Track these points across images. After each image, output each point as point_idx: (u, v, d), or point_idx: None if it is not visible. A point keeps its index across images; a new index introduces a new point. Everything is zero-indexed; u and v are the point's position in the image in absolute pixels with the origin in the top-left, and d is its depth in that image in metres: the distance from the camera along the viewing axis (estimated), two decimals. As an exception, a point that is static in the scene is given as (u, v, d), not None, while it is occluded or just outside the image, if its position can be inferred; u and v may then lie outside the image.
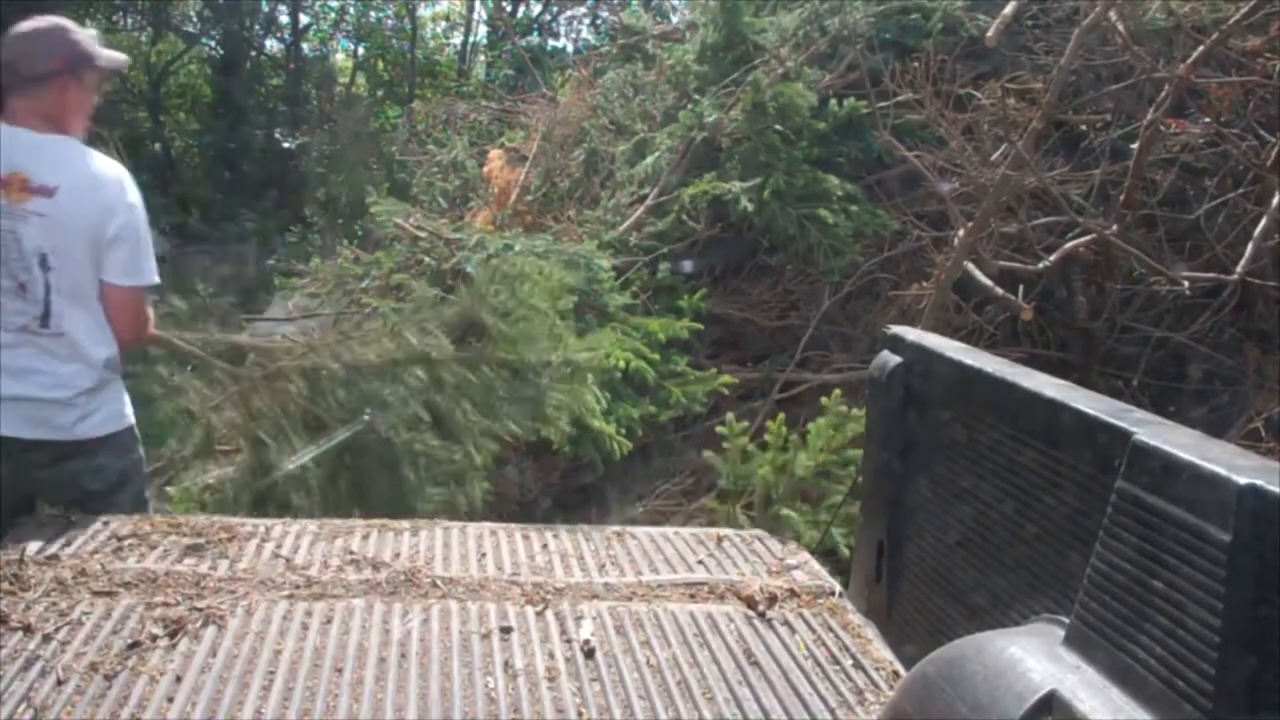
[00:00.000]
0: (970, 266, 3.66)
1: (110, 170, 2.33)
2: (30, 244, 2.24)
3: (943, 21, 4.43)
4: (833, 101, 4.28)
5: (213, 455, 3.59)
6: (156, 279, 2.39)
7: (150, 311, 2.45)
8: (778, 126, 4.16)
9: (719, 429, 3.36)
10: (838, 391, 3.34)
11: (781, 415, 3.35)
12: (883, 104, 4.04)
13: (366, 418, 3.15)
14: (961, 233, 3.66)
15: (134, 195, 2.33)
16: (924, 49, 4.00)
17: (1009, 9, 4.41)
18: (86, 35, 2.40)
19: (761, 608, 1.91)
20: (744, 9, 4.73)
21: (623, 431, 3.56)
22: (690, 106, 4.53)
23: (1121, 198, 3.82)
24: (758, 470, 3.26)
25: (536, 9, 14.93)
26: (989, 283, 3.61)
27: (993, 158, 3.85)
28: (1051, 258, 3.68)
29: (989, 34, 4.26)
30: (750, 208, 4.03)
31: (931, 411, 1.84)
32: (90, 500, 2.30)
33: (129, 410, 2.43)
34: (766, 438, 3.31)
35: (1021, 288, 3.71)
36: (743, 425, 3.34)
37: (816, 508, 3.25)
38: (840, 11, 4.51)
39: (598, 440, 3.50)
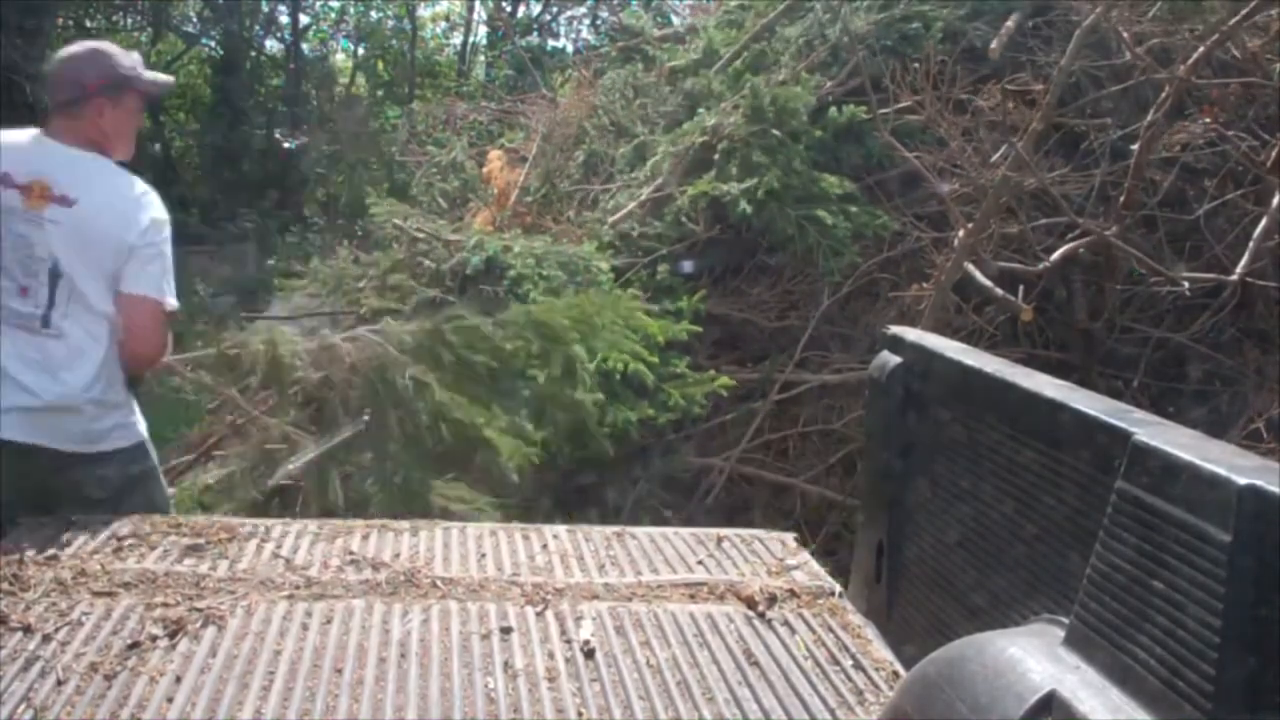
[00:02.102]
0: (970, 267, 3.65)
1: (135, 189, 2.33)
2: (41, 249, 2.25)
3: (942, 31, 4.44)
4: (833, 109, 4.29)
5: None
6: (175, 303, 2.35)
7: (168, 337, 2.41)
8: (775, 131, 4.16)
9: None
10: None
11: None
12: (884, 110, 4.04)
13: (365, 418, 3.14)
14: (961, 233, 3.66)
15: (158, 214, 2.32)
16: (925, 51, 4.00)
17: (1011, 21, 4.42)
18: (128, 58, 2.42)
19: (761, 608, 1.91)
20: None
21: (621, 431, 3.54)
22: (696, 118, 4.53)
23: (1121, 198, 3.82)
24: None
25: (536, 9, 14.94)
26: (989, 283, 3.61)
27: (993, 159, 3.85)
28: (1052, 258, 3.68)
29: (992, 46, 4.27)
30: (749, 210, 4.02)
31: (931, 411, 1.84)
32: (95, 508, 2.29)
33: (139, 423, 2.40)
34: None
35: (1021, 288, 3.71)
36: None
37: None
38: (840, 18, 4.51)
39: (593, 438, 3.47)
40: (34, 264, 2.26)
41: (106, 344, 2.30)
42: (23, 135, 2.37)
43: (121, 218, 2.28)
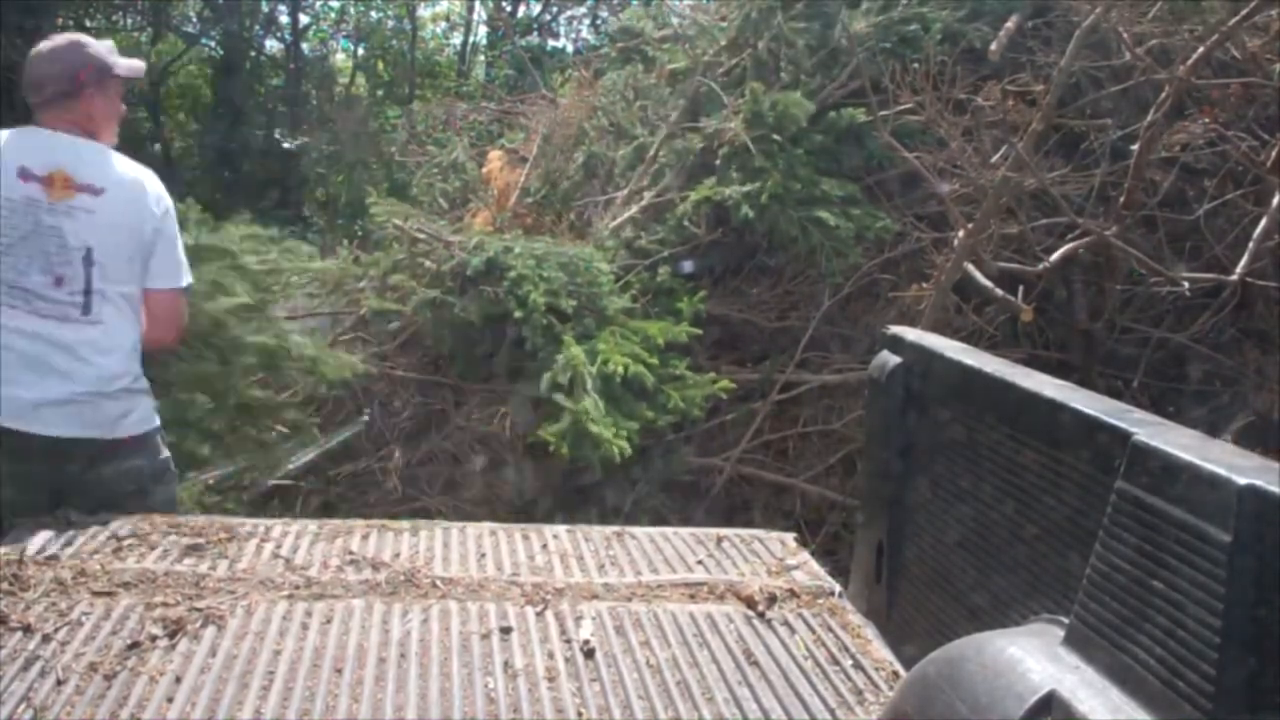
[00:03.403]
0: (970, 268, 3.65)
1: (146, 175, 2.42)
2: (75, 239, 2.30)
3: (942, 32, 4.44)
4: (832, 113, 4.29)
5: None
6: (189, 279, 2.47)
7: (184, 313, 2.52)
8: (775, 136, 4.17)
9: None
10: None
11: None
12: (884, 112, 4.04)
13: (365, 418, 3.14)
14: (962, 234, 3.66)
15: (167, 199, 2.42)
16: (925, 52, 4.00)
17: (1011, 23, 4.42)
18: (104, 46, 2.48)
19: (761, 608, 1.91)
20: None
21: (622, 433, 3.55)
22: (702, 128, 4.53)
23: (1121, 199, 3.82)
24: None
25: (536, 9, 14.93)
26: (989, 284, 3.61)
27: (993, 159, 3.85)
28: (1052, 258, 3.68)
29: (992, 48, 4.28)
30: (751, 215, 4.03)
31: (931, 411, 1.84)
32: (121, 504, 2.29)
33: (155, 411, 2.45)
34: None
35: (1021, 289, 3.71)
36: None
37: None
38: (840, 21, 4.50)
39: (597, 441, 3.48)
40: (67, 253, 2.30)
41: (135, 329, 2.37)
42: (21, 132, 2.40)
43: (141, 205, 2.35)
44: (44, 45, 2.46)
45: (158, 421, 2.44)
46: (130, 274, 2.35)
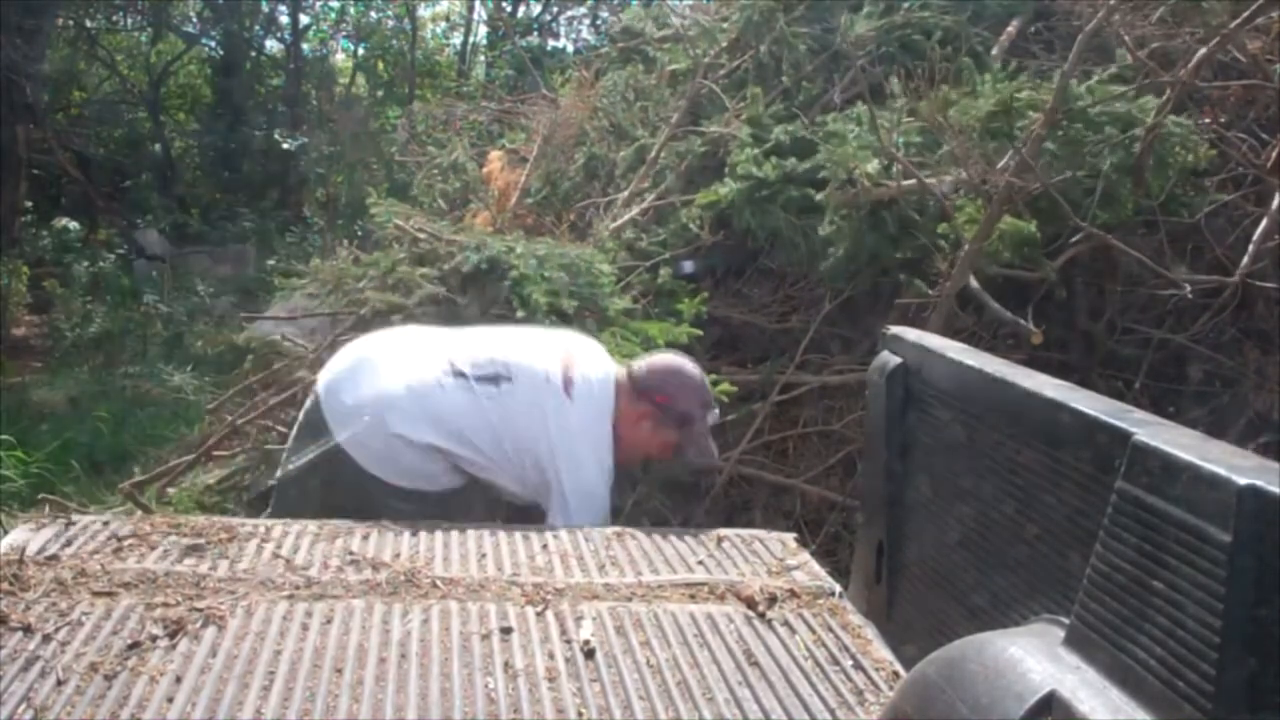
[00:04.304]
0: (975, 286, 3.63)
1: (563, 421, 2.48)
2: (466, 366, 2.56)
3: (943, 36, 4.44)
4: (833, 115, 4.29)
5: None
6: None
7: None
8: (780, 138, 4.17)
9: None
10: None
11: None
12: (884, 114, 4.04)
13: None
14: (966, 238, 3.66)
15: (571, 460, 2.50)
16: (928, 56, 3.99)
17: (1012, 27, 4.43)
18: (709, 410, 2.62)
19: (761, 608, 1.91)
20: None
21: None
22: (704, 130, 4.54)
23: (1122, 200, 3.82)
24: None
25: (536, 9, 14.96)
26: (997, 306, 3.59)
27: (1000, 164, 3.84)
28: (1055, 263, 3.68)
29: (994, 52, 4.28)
30: (753, 224, 4.05)
31: (931, 411, 1.84)
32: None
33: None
34: None
35: (1028, 301, 3.70)
36: None
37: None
38: (841, 25, 4.51)
39: None
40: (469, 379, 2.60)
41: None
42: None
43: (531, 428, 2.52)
44: (682, 362, 2.68)
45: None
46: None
